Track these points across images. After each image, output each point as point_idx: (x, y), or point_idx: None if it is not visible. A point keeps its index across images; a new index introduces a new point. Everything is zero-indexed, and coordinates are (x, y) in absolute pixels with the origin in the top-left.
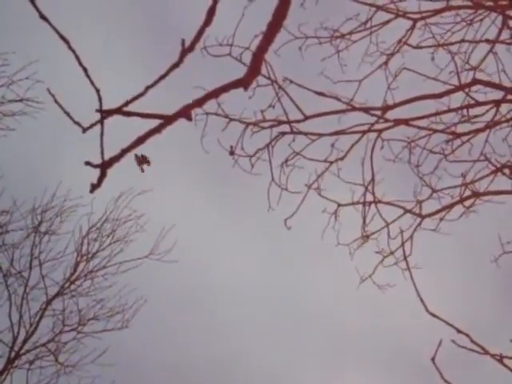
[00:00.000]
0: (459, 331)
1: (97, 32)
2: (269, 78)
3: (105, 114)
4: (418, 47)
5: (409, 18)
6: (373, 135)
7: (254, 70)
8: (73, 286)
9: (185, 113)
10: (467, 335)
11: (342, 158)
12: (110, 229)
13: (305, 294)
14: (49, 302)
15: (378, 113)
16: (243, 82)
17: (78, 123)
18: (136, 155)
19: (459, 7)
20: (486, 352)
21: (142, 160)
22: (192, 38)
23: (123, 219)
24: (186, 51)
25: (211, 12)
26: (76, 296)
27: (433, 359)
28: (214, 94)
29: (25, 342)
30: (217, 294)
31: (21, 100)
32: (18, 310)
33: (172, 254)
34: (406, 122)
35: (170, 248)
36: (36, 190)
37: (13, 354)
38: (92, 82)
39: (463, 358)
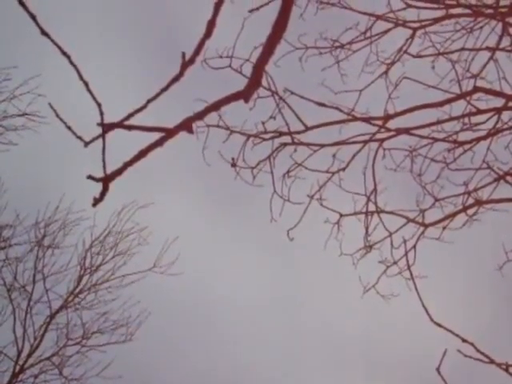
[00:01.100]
0: (464, 340)
1: (98, 46)
2: (269, 90)
3: (106, 128)
4: (418, 56)
5: (408, 27)
6: (374, 145)
7: (254, 82)
8: (76, 300)
9: (186, 126)
10: (472, 344)
11: (343, 169)
12: (113, 242)
13: (308, 305)
14: (53, 316)
15: (379, 122)
16: (244, 95)
17: (79, 137)
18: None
19: (459, 15)
20: (492, 361)
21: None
22: (192, 50)
23: (126, 232)
24: (186, 64)
25: (211, 24)
26: (80, 309)
27: (438, 369)
28: (215, 106)
29: (29, 356)
30: (220, 306)
31: (23, 114)
32: (22, 324)
33: (175, 266)
34: (407, 131)
35: (173, 261)
36: (39, 203)
37: (17, 368)
38: (93, 97)
39: (468, 367)
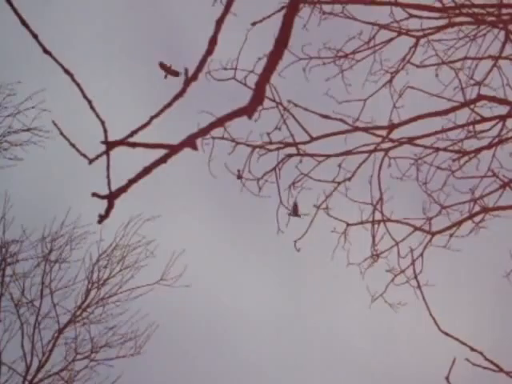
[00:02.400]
0: (473, 349)
1: (101, 63)
2: (274, 101)
3: (110, 145)
4: (421, 66)
5: (412, 36)
6: (380, 154)
7: (257, 98)
8: (84, 314)
9: (190, 142)
10: (481, 353)
11: (349, 178)
12: (120, 255)
13: (315, 315)
14: (61, 331)
15: (384, 132)
16: (247, 111)
17: (84, 155)
18: (162, 63)
19: (461, 23)
20: (501, 370)
21: (169, 71)
22: (195, 66)
23: (133, 245)
24: (189, 80)
25: (213, 42)
26: (88, 323)
27: (447, 378)
28: (219, 122)
29: (38, 371)
30: (228, 317)
31: (27, 129)
32: (31, 339)
33: (182, 279)
34: (411, 141)
35: (181, 273)
36: (45, 218)
37: (26, 383)
38: (97, 114)
39: (477, 376)
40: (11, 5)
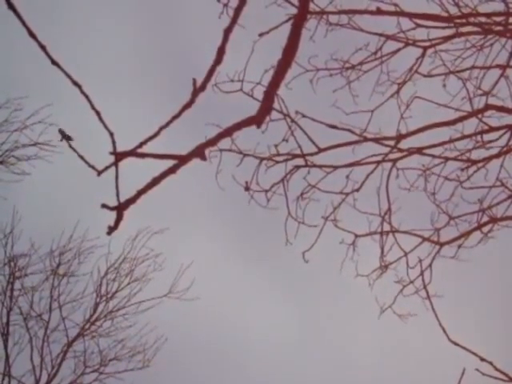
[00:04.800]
0: (482, 359)
1: (109, 74)
2: (281, 112)
3: (119, 156)
4: (428, 76)
5: (419, 46)
6: (387, 165)
7: (265, 108)
8: (93, 327)
9: (198, 153)
10: (490, 363)
11: (357, 189)
12: (128, 268)
13: (323, 326)
14: (70, 344)
15: (392, 142)
16: (255, 120)
17: (92, 166)
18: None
19: (469, 33)
20: (511, 379)
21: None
22: (203, 77)
23: (141, 258)
24: (197, 91)
25: (221, 51)
26: (97, 337)
27: None
28: (227, 132)
29: None
30: (236, 329)
31: (35, 144)
32: (40, 353)
33: (191, 291)
34: (419, 151)
35: (189, 286)
36: (53, 232)
37: None
38: (105, 126)
39: None
40: (19, 17)
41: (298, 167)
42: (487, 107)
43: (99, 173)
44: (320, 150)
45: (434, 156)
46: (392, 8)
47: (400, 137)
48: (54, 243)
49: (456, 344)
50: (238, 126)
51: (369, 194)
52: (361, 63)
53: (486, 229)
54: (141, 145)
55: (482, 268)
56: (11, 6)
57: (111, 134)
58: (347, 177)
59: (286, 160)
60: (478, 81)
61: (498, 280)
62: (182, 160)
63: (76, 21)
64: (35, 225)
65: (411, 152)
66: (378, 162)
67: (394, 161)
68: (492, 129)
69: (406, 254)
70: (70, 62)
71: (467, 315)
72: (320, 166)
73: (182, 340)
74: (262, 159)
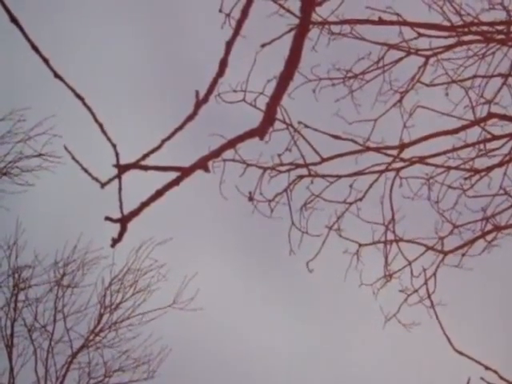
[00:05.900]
0: (487, 368)
1: (112, 86)
2: (284, 122)
3: (122, 168)
4: (431, 85)
5: (421, 55)
6: (391, 174)
7: (268, 119)
8: (97, 338)
9: (202, 164)
10: (495, 372)
11: (361, 199)
12: (132, 279)
13: (328, 335)
14: (74, 355)
15: (395, 152)
16: (258, 132)
17: (96, 179)
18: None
19: (471, 42)
20: None
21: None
22: (206, 89)
23: (145, 269)
24: (200, 103)
25: (223, 63)
26: (101, 348)
27: None
28: (230, 144)
29: None
30: (240, 340)
31: (38, 155)
32: (44, 365)
33: (195, 302)
34: (422, 160)
35: (193, 296)
36: (57, 243)
37: None
38: (108, 138)
39: None
40: (22, 30)
41: (301, 177)
42: (490, 116)
43: (103, 185)
44: (323, 160)
45: (437, 165)
46: (394, 17)
47: (403, 146)
48: (57, 254)
49: (461, 353)
50: (241, 139)
51: (372, 204)
52: (363, 72)
53: (489, 237)
54: (144, 157)
55: (486, 276)
56: (14, 20)
57: (114, 146)
58: (351, 186)
59: (290, 170)
60: (481, 89)
61: (502, 288)
62: (185, 172)
63: (78, 33)
64: (39, 236)
65: (414, 161)
66: (382, 172)
67: (398, 170)
68: (495, 137)
69: (410, 263)
70: (72, 74)
71: (472, 324)
72: (323, 176)
73: (186, 351)
74: (265, 169)
